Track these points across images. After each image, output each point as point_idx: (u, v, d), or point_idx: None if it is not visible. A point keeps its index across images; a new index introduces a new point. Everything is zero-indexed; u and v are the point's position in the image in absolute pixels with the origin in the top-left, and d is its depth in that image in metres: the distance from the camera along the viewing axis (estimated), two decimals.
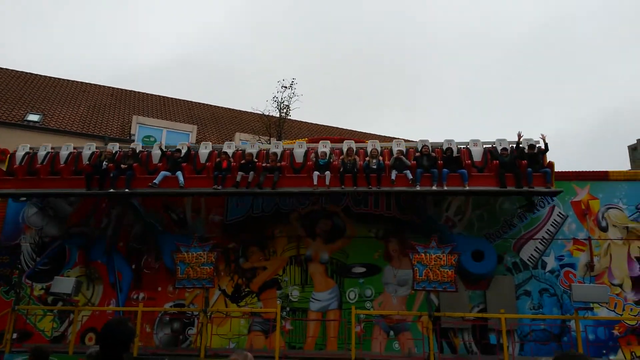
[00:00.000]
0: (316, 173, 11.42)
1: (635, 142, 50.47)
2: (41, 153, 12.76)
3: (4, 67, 25.42)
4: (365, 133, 30.34)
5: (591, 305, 10.19)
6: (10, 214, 13.45)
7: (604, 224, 12.06)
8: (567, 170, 12.62)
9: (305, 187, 11.49)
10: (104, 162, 12.02)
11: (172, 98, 28.62)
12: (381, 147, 12.36)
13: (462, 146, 12.15)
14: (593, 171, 12.65)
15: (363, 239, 12.58)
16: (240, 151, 12.44)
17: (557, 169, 11.56)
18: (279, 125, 22.24)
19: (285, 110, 22.27)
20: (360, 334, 11.21)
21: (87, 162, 12.38)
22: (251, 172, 11.59)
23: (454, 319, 11.25)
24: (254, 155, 12.07)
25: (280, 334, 10.55)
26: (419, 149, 11.93)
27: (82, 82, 26.93)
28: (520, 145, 11.62)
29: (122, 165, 11.86)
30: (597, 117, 60.30)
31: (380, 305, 12.02)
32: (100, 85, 27.28)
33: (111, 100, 25.80)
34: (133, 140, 22.29)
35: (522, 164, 11.26)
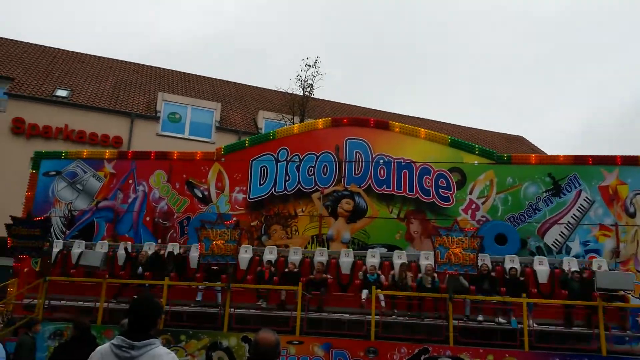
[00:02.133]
0: (365, 291, 10.17)
1: None
2: (75, 251, 11.97)
3: (33, 42, 25.81)
4: (387, 112, 30.08)
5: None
6: (41, 188, 13.82)
7: (632, 209, 11.84)
8: (595, 154, 12.38)
9: (354, 308, 10.20)
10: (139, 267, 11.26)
11: (196, 75, 28.72)
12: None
13: (524, 263, 10.89)
14: (622, 155, 12.36)
15: (385, 220, 12.60)
16: (283, 258, 11.54)
17: (585, 152, 11.31)
18: (302, 104, 22.19)
19: (309, 89, 22.19)
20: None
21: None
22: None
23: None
24: (297, 265, 11.09)
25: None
26: (479, 268, 10.00)
27: (108, 58, 27.19)
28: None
29: None
30: (631, 98, 58.54)
31: None
32: (125, 62, 27.50)
33: (136, 77, 26.03)
34: (159, 117, 22.61)
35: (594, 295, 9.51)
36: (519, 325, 9.50)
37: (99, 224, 13.47)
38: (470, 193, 12.57)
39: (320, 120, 14.45)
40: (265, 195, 13.18)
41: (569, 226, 11.97)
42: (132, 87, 24.77)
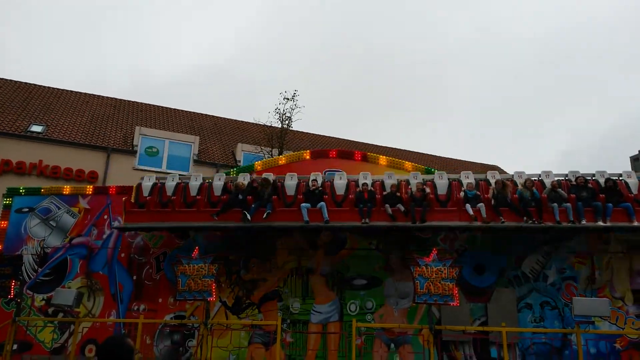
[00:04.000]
0: (468, 205, 10.97)
1: (637, 152, 50.35)
2: (170, 184, 12.61)
3: (7, 78, 25.60)
4: (366, 144, 30.41)
5: (592, 319, 10.14)
6: (13, 225, 13.49)
7: (611, 236, 12.01)
8: None
9: (457, 221, 11.11)
10: (239, 194, 11.80)
11: (173, 109, 28.74)
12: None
13: (614, 177, 11.67)
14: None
15: (364, 251, 12.58)
16: (379, 182, 12.16)
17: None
18: (280, 137, 22.32)
19: (287, 122, 22.37)
20: (360, 347, 11.17)
21: (220, 194, 12.13)
22: (399, 205, 11.22)
23: (455, 332, 11.21)
24: (397, 186, 11.83)
25: (281, 346, 10.53)
26: (574, 180, 11.31)
27: (84, 93, 27.08)
28: None
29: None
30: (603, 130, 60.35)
31: (382, 317, 11.98)
32: (102, 96, 27.42)
33: (113, 111, 25.93)
34: (136, 152, 22.45)
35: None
36: None
37: (73, 261, 13.15)
38: None
39: (304, 152, 14.70)
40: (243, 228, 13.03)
41: (545, 255, 12.09)
42: (108, 121, 24.63)
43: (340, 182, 12.26)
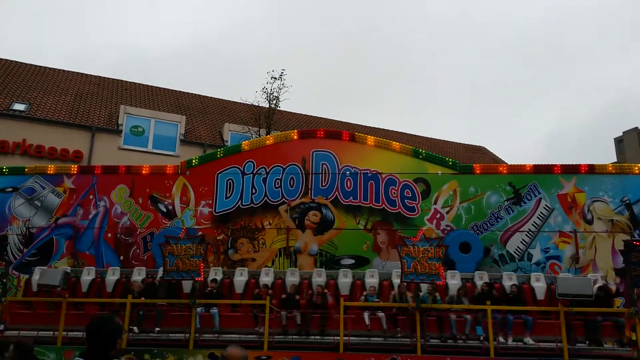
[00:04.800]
0: (366, 314, 10.16)
1: (622, 134, 50.93)
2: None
3: None
4: (354, 124, 30.33)
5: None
6: None
7: (589, 216, 12.23)
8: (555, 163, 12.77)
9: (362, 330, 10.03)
10: None
11: (160, 87, 28.32)
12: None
13: (521, 280, 11.02)
14: (579, 164, 12.78)
15: (352, 231, 12.64)
16: (280, 280, 11.25)
17: (546, 162, 11.65)
18: (268, 117, 22.14)
19: (274, 102, 22.16)
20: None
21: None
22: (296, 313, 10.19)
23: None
24: (296, 288, 10.75)
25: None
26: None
27: (68, 71, 26.53)
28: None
29: None
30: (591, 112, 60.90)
31: None
32: (86, 74, 26.90)
33: (97, 90, 25.48)
34: (121, 131, 22.16)
35: None
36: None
37: (59, 241, 13.04)
38: (435, 203, 12.75)
39: (291, 132, 14.54)
40: (231, 208, 13.04)
41: (530, 234, 12.26)
42: (93, 100, 24.22)
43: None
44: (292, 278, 11.20)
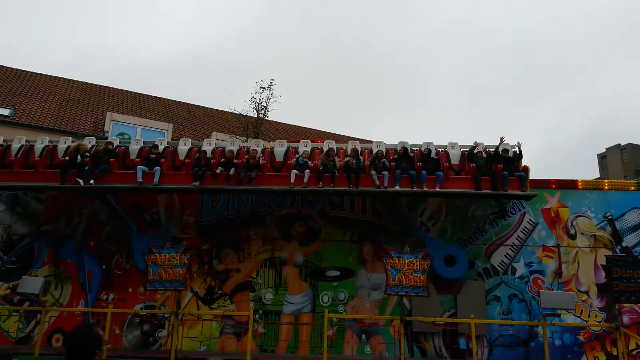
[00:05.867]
0: (294, 171, 11.42)
1: (604, 150, 51.71)
2: (15, 146, 12.47)
3: None
4: (343, 135, 30.44)
5: (558, 312, 10.41)
6: None
7: (572, 231, 12.35)
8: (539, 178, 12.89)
9: (283, 185, 11.45)
10: (79, 156, 11.83)
11: (147, 95, 28.22)
12: (361, 147, 12.36)
13: (440, 149, 12.23)
14: (562, 179, 12.94)
15: (338, 243, 12.61)
16: (221, 149, 12.38)
17: (536, 174, 11.77)
18: (256, 126, 22.16)
19: (263, 111, 22.20)
20: (332, 338, 11.23)
21: (63, 157, 12.12)
22: (232, 169, 11.52)
23: (425, 324, 11.37)
24: (235, 153, 12.00)
25: (253, 336, 10.50)
26: (398, 150, 11.99)
27: (54, 77, 26.34)
28: (497, 149, 11.74)
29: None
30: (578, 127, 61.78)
31: (354, 309, 12.06)
32: (72, 80, 26.72)
33: (83, 96, 25.31)
34: (107, 137, 21.97)
35: (498, 167, 11.44)
36: None
37: (40, 249, 12.83)
38: (421, 215, 12.79)
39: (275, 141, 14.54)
40: (216, 218, 12.96)
41: (513, 248, 12.35)
42: (79, 106, 24.04)
43: (183, 148, 12.38)
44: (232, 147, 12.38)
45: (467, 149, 12.06)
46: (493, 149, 11.81)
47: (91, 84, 27.00)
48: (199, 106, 29.11)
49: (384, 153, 11.89)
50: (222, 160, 11.82)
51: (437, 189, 11.33)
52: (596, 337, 11.62)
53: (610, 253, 11.77)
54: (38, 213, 13.13)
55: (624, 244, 12.22)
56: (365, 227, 12.69)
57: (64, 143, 12.59)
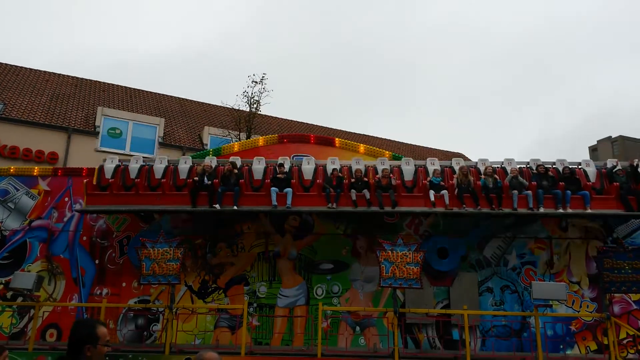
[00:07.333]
0: (432, 192, 11.32)
1: (596, 143, 52.01)
2: (133, 166, 12.33)
3: None
4: (335, 130, 30.43)
5: (550, 302, 10.51)
6: None
7: (564, 223, 12.43)
8: None
9: (422, 207, 11.42)
10: (206, 178, 11.68)
11: (138, 89, 28.04)
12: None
13: (574, 166, 12.08)
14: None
15: (331, 236, 12.64)
16: (347, 167, 12.25)
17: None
18: (248, 121, 22.11)
19: (255, 106, 22.14)
20: (326, 330, 11.29)
21: (186, 177, 12.04)
22: (365, 190, 11.42)
23: (419, 315, 11.45)
24: (363, 172, 11.87)
25: (247, 330, 10.53)
26: (534, 168, 11.81)
27: (44, 71, 26.10)
28: (637, 167, 11.63)
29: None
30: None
31: (347, 301, 12.12)
32: (62, 75, 26.48)
33: (74, 90, 25.10)
34: (98, 133, 21.84)
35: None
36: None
37: (32, 244, 12.77)
38: None
39: (261, 137, 14.63)
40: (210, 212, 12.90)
41: (506, 239, 12.43)
42: (69, 101, 23.85)
43: (308, 167, 12.26)
44: (357, 166, 12.25)
45: (603, 167, 12.08)
46: (632, 167, 11.79)
47: (82, 79, 26.77)
48: (190, 100, 28.96)
49: (520, 172, 11.64)
50: (353, 180, 11.69)
51: (589, 210, 11.14)
52: (588, 327, 11.75)
53: (601, 244, 11.90)
54: (29, 209, 13.04)
55: (614, 235, 12.33)
56: (358, 220, 12.71)
57: (185, 163, 12.46)
